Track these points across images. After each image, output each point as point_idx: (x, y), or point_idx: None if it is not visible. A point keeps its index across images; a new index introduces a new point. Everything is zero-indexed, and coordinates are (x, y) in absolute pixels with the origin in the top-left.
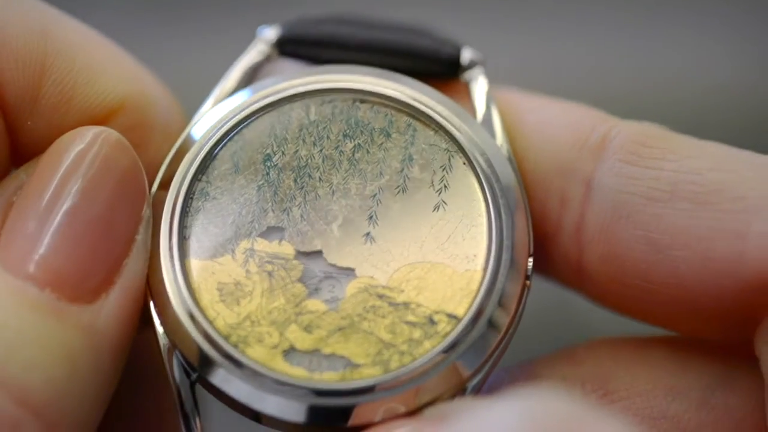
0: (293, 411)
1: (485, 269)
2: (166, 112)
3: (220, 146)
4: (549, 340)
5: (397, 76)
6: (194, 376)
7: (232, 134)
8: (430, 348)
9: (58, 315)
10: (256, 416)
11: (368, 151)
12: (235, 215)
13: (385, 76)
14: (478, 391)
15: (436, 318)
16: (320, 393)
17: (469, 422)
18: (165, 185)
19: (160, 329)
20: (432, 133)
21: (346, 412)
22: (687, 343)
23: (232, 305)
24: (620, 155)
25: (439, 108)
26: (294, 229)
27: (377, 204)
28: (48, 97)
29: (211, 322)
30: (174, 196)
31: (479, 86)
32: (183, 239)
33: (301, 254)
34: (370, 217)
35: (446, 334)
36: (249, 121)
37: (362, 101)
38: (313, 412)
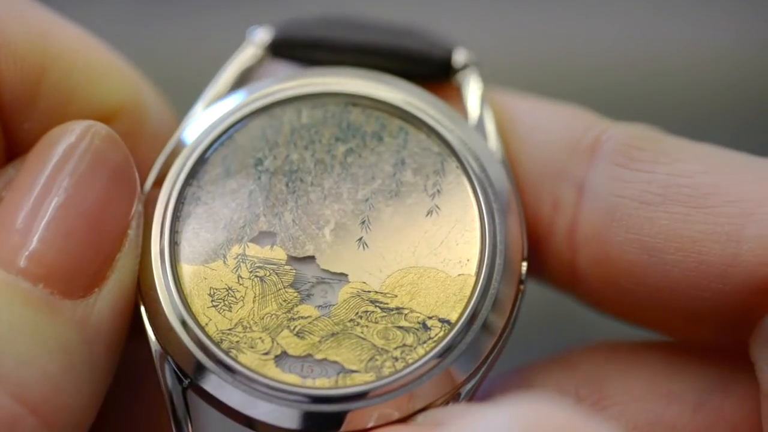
0: (286, 417)
1: (479, 274)
2: (160, 120)
3: (211, 150)
4: (543, 344)
5: (390, 78)
6: (186, 382)
7: (224, 138)
8: (423, 354)
9: (52, 310)
10: (248, 422)
11: (360, 155)
12: (227, 220)
13: (377, 79)
14: (472, 396)
15: (429, 323)
16: (313, 399)
17: (462, 428)
18: (156, 189)
19: (151, 335)
20: (424, 136)
21: (339, 418)
22: (682, 348)
23: (224, 311)
24: (612, 158)
25: (432, 111)
26: (286, 234)
27: (370, 208)
28: (46, 99)
29: (202, 328)
30: (165, 201)
31: (472, 89)
32: (174, 244)
33: (294, 259)
34: (363, 222)
35: (439, 340)
36: (240, 124)
37: (354, 105)
38: (306, 418)
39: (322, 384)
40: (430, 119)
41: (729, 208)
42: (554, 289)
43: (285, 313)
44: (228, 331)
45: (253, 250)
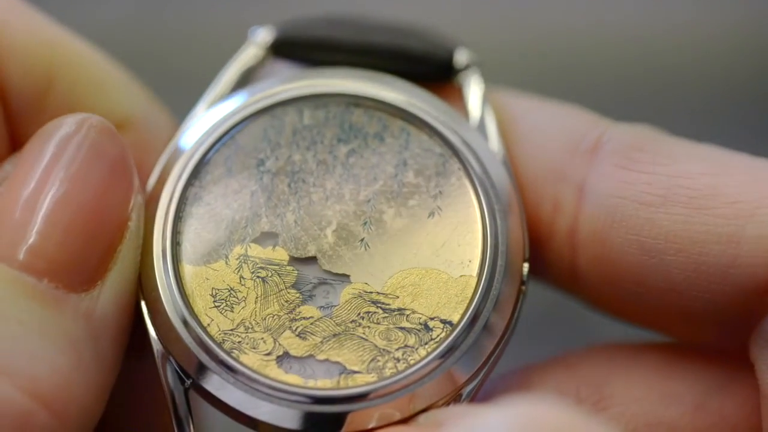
0: (287, 418)
1: (480, 275)
2: (165, 134)
3: (213, 151)
4: (544, 345)
5: (391, 79)
6: (188, 382)
7: (225, 139)
8: (425, 354)
9: (58, 304)
10: (250, 423)
11: (362, 156)
12: (229, 220)
13: (379, 79)
14: (474, 397)
15: (431, 324)
16: (314, 400)
17: (463, 429)
18: (158, 190)
19: (153, 335)
20: (426, 137)
21: (341, 418)
22: (682, 349)
23: (226, 311)
24: (613, 159)
25: (434, 112)
26: (288, 234)
27: (372, 209)
28: (53, 107)
29: (204, 328)
30: (167, 201)
31: (473, 89)
32: (176, 244)
33: (295, 260)
34: (365, 223)
35: (441, 341)
36: (242, 125)
37: (356, 105)
38: (308, 418)
39: (323, 385)
40: (432, 120)
41: (729, 209)
42: (555, 290)
43: (287, 313)
44: (230, 332)
45: (255, 251)
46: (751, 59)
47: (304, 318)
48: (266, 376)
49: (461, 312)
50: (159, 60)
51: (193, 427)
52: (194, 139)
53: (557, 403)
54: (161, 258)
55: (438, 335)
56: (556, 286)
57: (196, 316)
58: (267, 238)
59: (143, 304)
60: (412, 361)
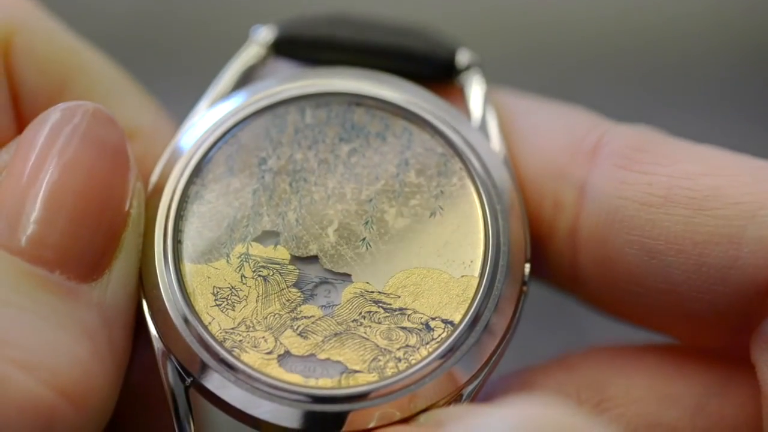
0: (288, 417)
1: (482, 275)
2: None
3: (215, 149)
4: (545, 346)
5: (393, 79)
6: (189, 380)
7: (227, 137)
8: (426, 354)
9: (72, 295)
10: (250, 421)
11: (364, 155)
12: (230, 219)
13: (381, 79)
14: (474, 397)
15: (432, 324)
16: (315, 399)
17: (463, 429)
18: (159, 188)
19: (154, 333)
20: (428, 137)
21: (342, 418)
22: (682, 350)
23: (227, 310)
24: (614, 160)
25: (436, 112)
26: (289, 233)
27: (373, 209)
28: None
29: (206, 327)
30: (168, 199)
31: (475, 89)
32: (178, 243)
33: (297, 259)
34: (367, 223)
35: (442, 341)
36: (244, 124)
37: (358, 104)
38: (308, 418)
39: (324, 384)
40: (434, 120)
41: (730, 210)
42: (556, 290)
43: (288, 312)
44: (231, 330)
45: (257, 250)
46: (747, 35)
47: (305, 317)
48: (267, 375)
49: (463, 312)
50: (167, 49)
51: (194, 426)
52: (196, 137)
53: (558, 404)
54: (162, 256)
55: (439, 335)
56: (557, 286)
57: (197, 315)
58: (268, 236)
59: (144, 302)
60: (413, 361)
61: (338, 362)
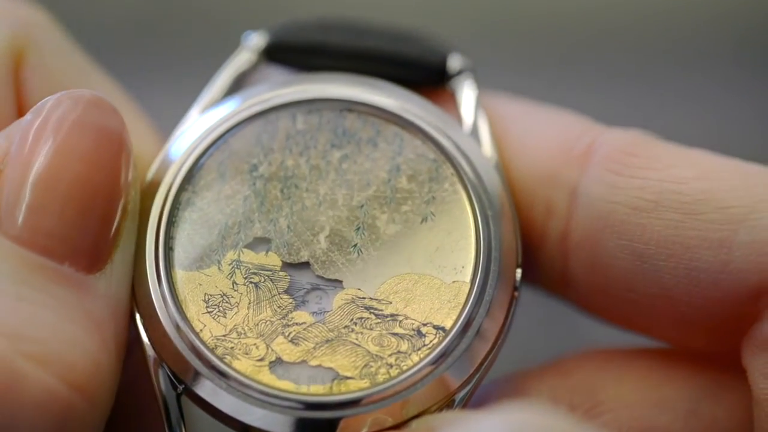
0: (280, 423)
1: (473, 281)
2: None
3: (206, 156)
4: (537, 351)
5: (385, 84)
6: (180, 388)
7: (219, 143)
8: (417, 360)
9: (82, 287)
10: (242, 428)
11: (355, 161)
12: (222, 226)
13: (372, 84)
14: (466, 403)
15: (423, 330)
16: (307, 406)
17: None
18: (151, 195)
19: (146, 340)
20: (419, 142)
21: (333, 424)
22: (675, 354)
23: (219, 317)
24: (605, 164)
25: (427, 117)
26: (281, 240)
27: (365, 215)
28: None
29: (197, 334)
30: (160, 206)
31: (466, 94)
32: (169, 250)
33: (288, 265)
34: (358, 229)
35: (434, 347)
36: (235, 130)
37: (349, 110)
38: (300, 424)
39: (316, 390)
40: (426, 125)
41: (721, 214)
42: (548, 295)
43: (280, 319)
44: (222, 337)
45: (248, 256)
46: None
47: (296, 324)
48: (259, 382)
49: (454, 318)
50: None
51: None
52: (187, 144)
53: (549, 411)
54: (154, 263)
55: (431, 341)
56: (549, 290)
57: (189, 322)
58: (260, 243)
59: (136, 309)
60: (404, 367)
61: (330, 369)
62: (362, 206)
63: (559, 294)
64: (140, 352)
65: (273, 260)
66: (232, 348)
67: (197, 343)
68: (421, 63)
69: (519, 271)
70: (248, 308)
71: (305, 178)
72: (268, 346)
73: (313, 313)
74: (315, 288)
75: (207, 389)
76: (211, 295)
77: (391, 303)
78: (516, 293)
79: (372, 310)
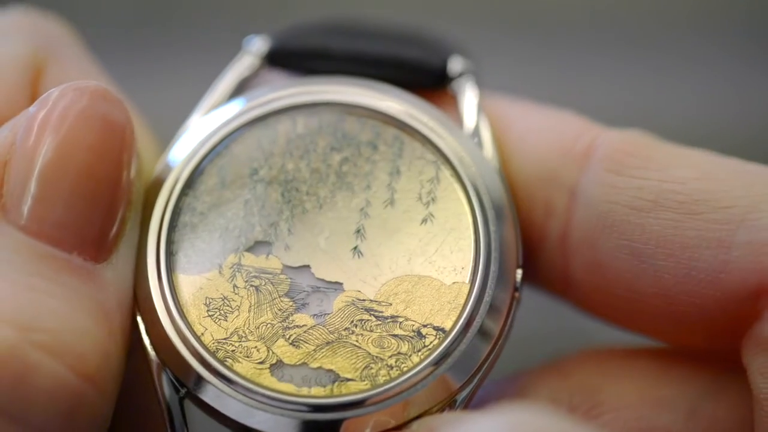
0: (281, 426)
1: (473, 282)
2: None
3: (207, 160)
4: (538, 351)
5: (385, 87)
6: (183, 391)
7: (219, 148)
8: (418, 362)
9: (91, 276)
10: (245, 431)
11: (355, 164)
12: (222, 230)
13: (372, 87)
14: (468, 403)
15: (424, 331)
16: (308, 408)
17: None
18: (152, 199)
19: (148, 345)
20: (419, 145)
21: (335, 426)
22: (675, 354)
23: (220, 320)
24: (605, 164)
25: (427, 120)
26: (281, 243)
27: (365, 217)
28: None
29: (198, 338)
30: (161, 211)
31: (467, 97)
32: (170, 254)
33: (289, 268)
34: (358, 231)
35: (434, 348)
36: (236, 134)
37: (349, 114)
38: (302, 427)
39: (317, 393)
40: (426, 128)
41: (720, 214)
42: (548, 295)
43: (280, 322)
44: (224, 341)
45: (249, 260)
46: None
47: (297, 326)
48: (260, 385)
49: (454, 319)
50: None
51: None
52: (188, 148)
53: (550, 411)
54: (155, 267)
55: (431, 342)
56: (549, 290)
57: (190, 326)
58: (260, 246)
59: (138, 313)
60: (405, 368)
61: (330, 371)
62: (362, 208)
63: (560, 294)
64: (142, 356)
65: (273, 263)
66: (233, 351)
67: (199, 346)
68: (422, 66)
69: (519, 272)
70: (249, 311)
71: (305, 181)
72: (269, 349)
73: (314, 315)
74: (315, 290)
75: (209, 393)
76: (212, 299)
77: (391, 305)
78: (516, 294)
79: (372, 312)
